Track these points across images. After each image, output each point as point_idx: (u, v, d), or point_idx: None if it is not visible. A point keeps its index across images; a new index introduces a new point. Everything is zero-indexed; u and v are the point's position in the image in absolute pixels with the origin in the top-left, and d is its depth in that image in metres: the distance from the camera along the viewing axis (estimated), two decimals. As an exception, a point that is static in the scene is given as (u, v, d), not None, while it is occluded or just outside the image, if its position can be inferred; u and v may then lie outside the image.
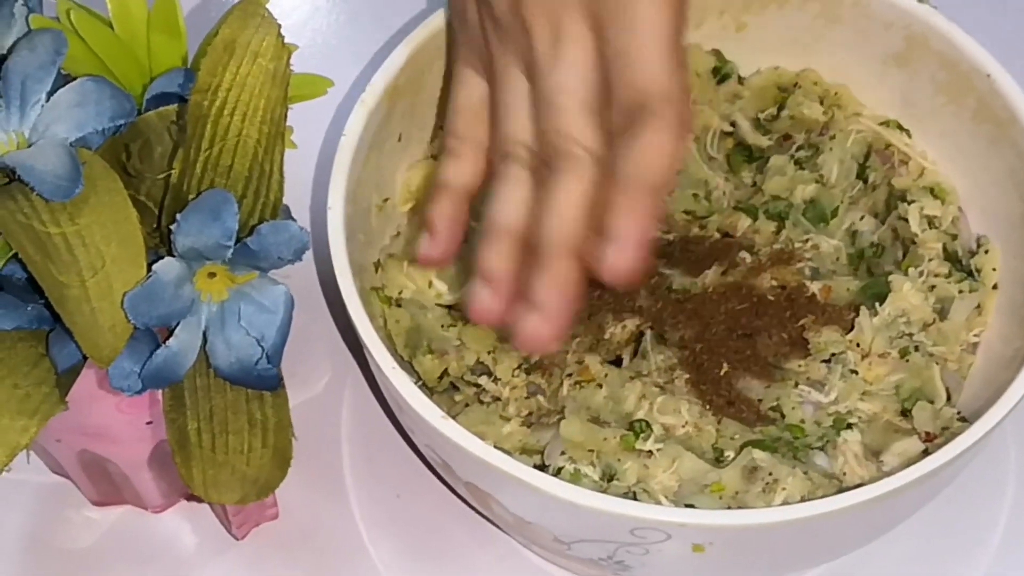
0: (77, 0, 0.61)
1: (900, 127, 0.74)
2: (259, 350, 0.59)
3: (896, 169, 0.73)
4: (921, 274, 0.69)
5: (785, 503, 0.62)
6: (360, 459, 0.74)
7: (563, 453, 0.64)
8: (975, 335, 0.69)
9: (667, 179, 0.57)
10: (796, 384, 0.66)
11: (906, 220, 0.70)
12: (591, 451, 0.64)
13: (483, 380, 0.67)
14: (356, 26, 0.88)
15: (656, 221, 0.58)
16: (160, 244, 0.60)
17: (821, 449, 0.65)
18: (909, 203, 0.71)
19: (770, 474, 0.63)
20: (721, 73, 0.76)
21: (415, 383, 0.62)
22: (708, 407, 0.65)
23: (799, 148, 0.74)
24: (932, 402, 0.67)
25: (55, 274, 0.56)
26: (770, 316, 0.68)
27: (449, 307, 0.69)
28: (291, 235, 0.58)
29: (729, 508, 0.62)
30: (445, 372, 0.68)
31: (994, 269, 0.70)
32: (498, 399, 0.67)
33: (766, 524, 0.58)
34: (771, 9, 0.75)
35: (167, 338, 0.58)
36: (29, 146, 0.58)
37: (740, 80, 0.76)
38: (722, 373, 0.66)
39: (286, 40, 0.59)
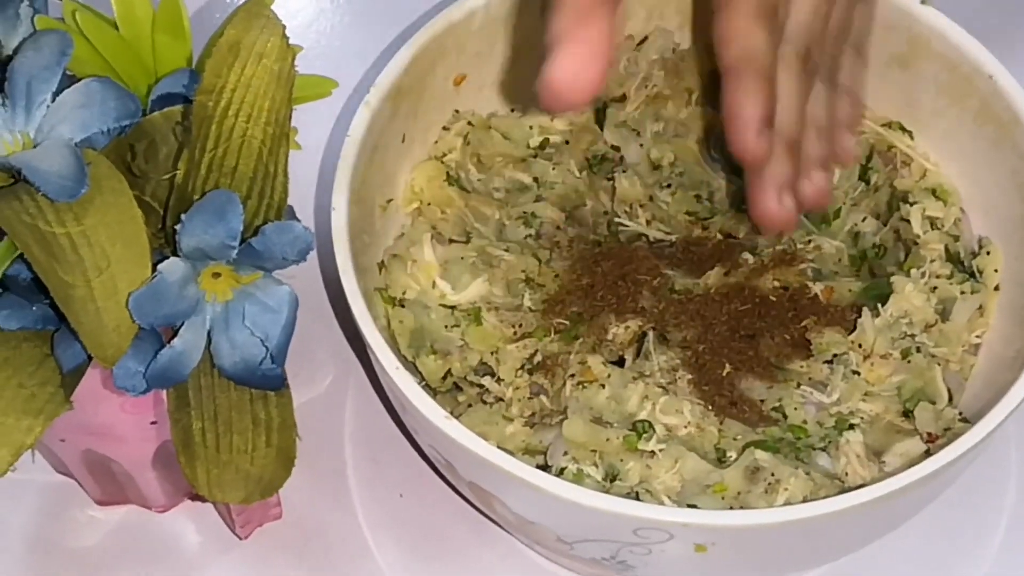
0: (82, 1, 0.61)
1: (902, 128, 0.74)
2: (263, 350, 0.60)
3: (898, 170, 0.73)
4: (923, 275, 0.69)
5: (787, 503, 0.62)
6: (363, 459, 0.74)
7: (566, 453, 0.64)
8: (977, 336, 0.69)
9: None
10: (798, 385, 0.66)
11: (908, 221, 0.71)
12: (594, 451, 0.64)
13: (486, 380, 0.67)
14: (360, 28, 0.89)
15: None
16: (165, 244, 0.60)
17: (823, 450, 0.65)
18: (911, 204, 0.71)
19: (772, 475, 0.63)
20: (724, 74, 0.76)
21: (418, 383, 0.63)
22: (710, 408, 0.66)
23: (801, 149, 0.74)
24: (934, 403, 0.67)
25: (60, 274, 0.56)
26: (772, 317, 0.68)
27: (452, 307, 0.70)
28: (295, 235, 0.58)
29: (731, 508, 0.62)
30: (448, 372, 0.68)
31: (996, 270, 0.70)
32: (501, 399, 0.67)
33: (768, 524, 0.58)
34: (774, 11, 0.75)
35: (171, 338, 0.58)
36: (35, 147, 0.58)
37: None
38: (724, 374, 0.66)
39: (291, 41, 0.59)
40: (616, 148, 0.75)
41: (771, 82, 0.61)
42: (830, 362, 0.67)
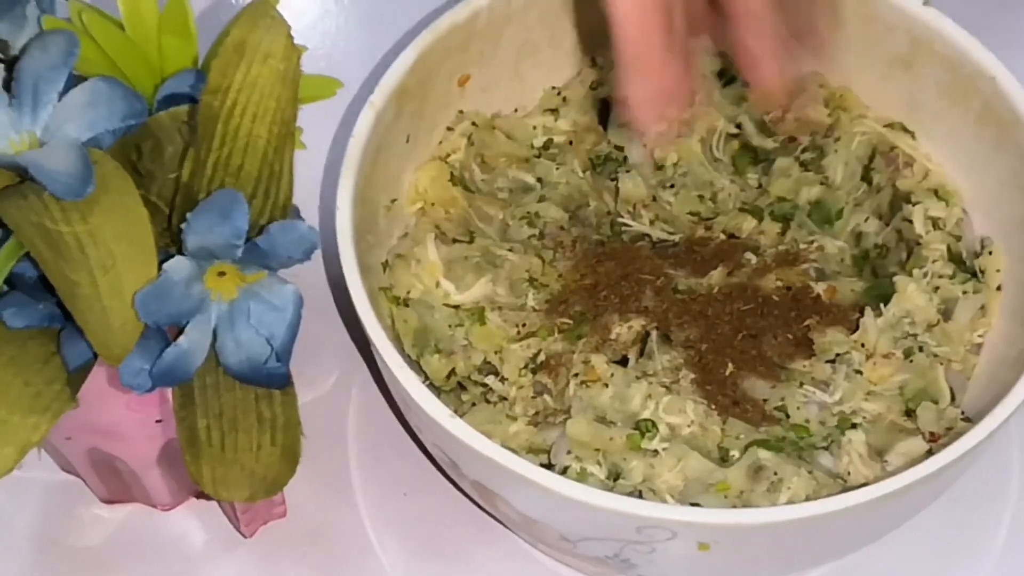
0: (89, 2, 0.62)
1: (905, 129, 0.74)
2: (268, 349, 0.60)
3: (900, 171, 0.73)
4: (925, 275, 0.69)
5: (790, 502, 0.62)
6: (368, 457, 0.74)
7: (569, 452, 0.64)
8: (979, 336, 0.69)
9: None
10: (801, 384, 0.66)
11: (910, 222, 0.71)
12: (597, 450, 0.64)
13: (490, 380, 0.68)
14: (365, 28, 0.89)
15: None
16: (170, 243, 0.60)
17: (826, 449, 0.65)
18: (913, 205, 0.71)
19: (775, 473, 0.63)
20: (727, 75, 0.76)
21: (422, 382, 0.63)
22: (713, 407, 0.66)
23: (804, 150, 0.74)
24: (936, 402, 0.67)
25: (66, 272, 0.56)
26: (775, 317, 0.68)
27: (456, 307, 0.70)
28: (300, 235, 0.58)
29: (734, 507, 0.63)
30: (452, 372, 0.68)
31: (998, 270, 0.70)
32: (505, 398, 0.67)
33: (771, 523, 0.58)
34: (777, 12, 0.75)
35: (177, 337, 0.58)
36: (41, 146, 0.58)
37: (746, 83, 0.76)
38: (727, 373, 0.66)
39: (296, 42, 0.59)
40: (619, 148, 0.75)
41: None
42: (832, 361, 0.67)
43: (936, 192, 0.72)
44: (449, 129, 0.75)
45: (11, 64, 0.60)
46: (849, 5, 0.73)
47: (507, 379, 0.67)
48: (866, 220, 0.72)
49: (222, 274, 0.59)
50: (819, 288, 0.69)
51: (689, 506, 0.62)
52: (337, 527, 0.72)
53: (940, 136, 0.73)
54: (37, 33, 0.61)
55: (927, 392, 0.67)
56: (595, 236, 0.72)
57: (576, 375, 0.66)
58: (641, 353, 0.68)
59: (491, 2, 0.72)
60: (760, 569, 0.65)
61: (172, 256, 0.58)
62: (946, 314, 0.69)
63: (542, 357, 0.68)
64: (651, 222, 0.73)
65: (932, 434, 0.66)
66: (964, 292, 0.69)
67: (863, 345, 0.67)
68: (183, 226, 0.57)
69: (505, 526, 0.69)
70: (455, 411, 0.61)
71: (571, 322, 0.68)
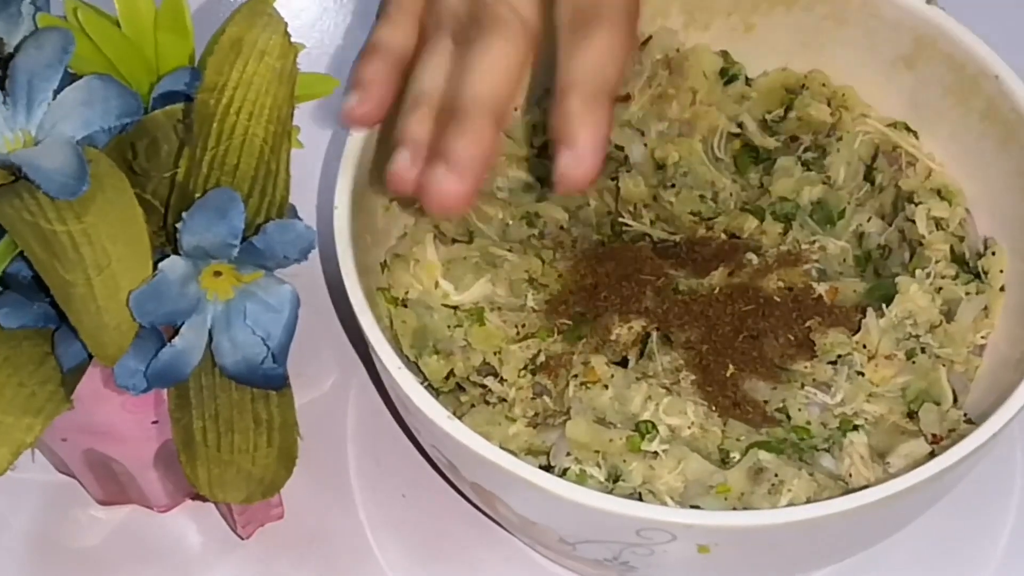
0: (84, -1, 0.62)
1: (907, 128, 0.74)
2: (265, 349, 0.59)
3: (903, 171, 0.73)
4: (928, 276, 0.69)
5: (791, 504, 0.62)
6: (366, 459, 0.74)
7: (569, 454, 0.64)
8: (982, 337, 0.69)
9: (618, 86, 0.55)
10: (802, 385, 0.66)
11: (913, 222, 0.70)
12: (597, 452, 0.64)
13: (489, 381, 0.67)
14: (364, 27, 0.88)
15: (609, 129, 0.56)
16: (166, 243, 0.60)
17: (827, 451, 0.65)
18: (916, 205, 0.71)
19: (776, 475, 0.63)
20: (729, 74, 0.76)
21: (421, 383, 0.62)
22: (714, 408, 0.65)
23: (806, 149, 0.74)
24: (938, 404, 0.66)
25: (61, 272, 0.56)
26: (776, 317, 0.68)
27: (455, 307, 0.69)
28: (297, 234, 0.58)
29: (735, 509, 0.62)
30: (451, 372, 0.68)
31: (1001, 271, 0.70)
32: (504, 400, 0.67)
33: (772, 525, 0.58)
34: (779, 11, 0.75)
35: (172, 337, 0.58)
36: (36, 144, 0.58)
37: (747, 81, 0.76)
38: (728, 374, 0.66)
39: (293, 40, 0.59)
40: (620, 148, 0.75)
41: None
42: (834, 363, 0.67)
43: (939, 192, 0.72)
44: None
45: (6, 61, 0.59)
46: (852, 4, 0.73)
47: (506, 380, 0.67)
48: (868, 220, 0.72)
49: (218, 274, 0.59)
50: (821, 289, 0.69)
51: (689, 508, 0.62)
52: (335, 529, 0.71)
53: (943, 135, 0.73)
54: (32, 30, 0.61)
55: (929, 393, 0.67)
56: (595, 236, 0.72)
57: (576, 376, 0.66)
58: (641, 354, 0.67)
59: (491, 0, 0.71)
60: (761, 572, 0.65)
61: (168, 256, 0.58)
62: (949, 315, 0.69)
63: (542, 358, 0.67)
64: (652, 222, 0.73)
65: (934, 436, 0.65)
66: (967, 293, 0.69)
67: (865, 346, 0.67)
68: (179, 225, 0.57)
69: (504, 528, 0.69)
70: (454, 412, 0.61)
71: (571, 323, 0.68)
